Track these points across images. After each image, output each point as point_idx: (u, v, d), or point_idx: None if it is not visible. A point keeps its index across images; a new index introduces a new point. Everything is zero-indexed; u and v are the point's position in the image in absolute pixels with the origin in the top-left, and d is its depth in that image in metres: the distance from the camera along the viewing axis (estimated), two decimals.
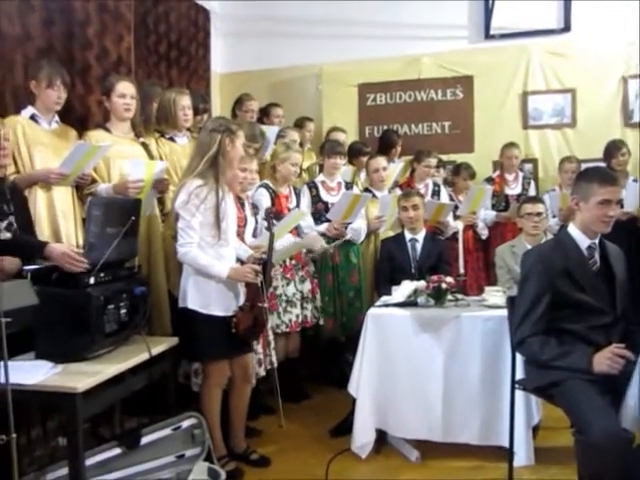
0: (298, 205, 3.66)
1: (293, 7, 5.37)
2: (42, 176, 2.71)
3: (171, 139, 3.33)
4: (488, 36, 5.08)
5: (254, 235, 3.23)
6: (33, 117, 2.82)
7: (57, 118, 2.94)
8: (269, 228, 2.81)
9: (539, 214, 3.42)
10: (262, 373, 3.16)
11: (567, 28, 4.93)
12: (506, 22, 4.98)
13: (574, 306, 2.22)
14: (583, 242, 2.28)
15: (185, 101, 3.30)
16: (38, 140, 2.78)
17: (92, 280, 2.30)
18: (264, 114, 4.57)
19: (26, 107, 2.84)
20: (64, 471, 2.21)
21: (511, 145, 4.60)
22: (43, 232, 2.71)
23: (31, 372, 2.08)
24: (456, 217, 4.24)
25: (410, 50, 5.17)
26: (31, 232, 2.56)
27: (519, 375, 2.45)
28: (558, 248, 2.30)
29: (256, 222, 3.28)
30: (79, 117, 3.31)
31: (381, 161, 4.09)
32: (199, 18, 5.14)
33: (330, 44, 5.28)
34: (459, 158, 4.94)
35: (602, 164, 4.33)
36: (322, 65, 5.33)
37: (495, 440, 2.71)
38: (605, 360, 2.07)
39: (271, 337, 3.25)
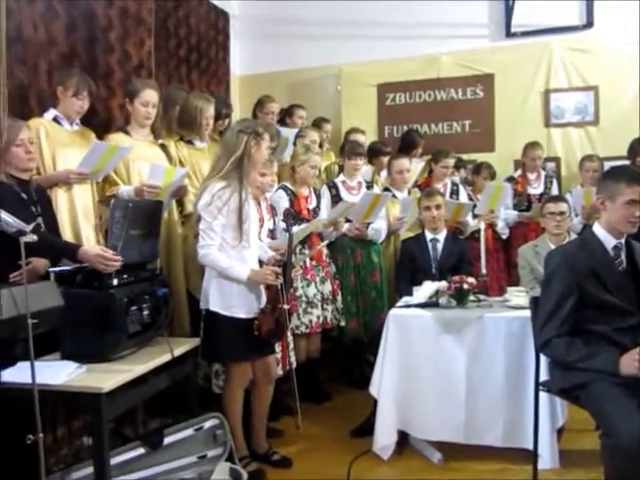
0: (318, 206, 3.67)
1: (311, 8, 5.37)
2: (62, 177, 2.75)
3: (189, 142, 3.36)
4: (509, 34, 5.03)
5: (272, 237, 3.24)
6: (55, 119, 2.87)
7: (78, 120, 2.98)
8: (288, 229, 2.81)
9: (562, 213, 3.37)
10: (280, 373, 3.17)
11: (589, 24, 4.86)
12: (527, 19, 4.92)
13: (600, 307, 2.18)
14: (609, 242, 2.24)
15: (211, 111, 3.34)
16: (61, 141, 2.83)
17: (115, 281, 2.33)
18: (287, 114, 4.57)
19: (48, 110, 2.89)
20: (89, 470, 2.24)
21: (534, 145, 4.53)
22: (65, 233, 2.75)
23: (57, 372, 2.11)
24: (475, 216, 4.20)
25: (429, 49, 5.15)
26: (56, 233, 2.60)
27: (543, 377, 2.42)
28: (584, 248, 2.27)
29: (274, 224, 3.28)
30: (102, 120, 3.36)
31: (405, 162, 4.07)
32: (218, 21, 5.18)
33: (349, 44, 5.28)
34: (480, 157, 4.88)
35: (626, 162, 4.26)
36: (341, 66, 5.33)
37: (519, 442, 2.68)
38: (632, 362, 2.03)
39: (290, 338, 3.26)
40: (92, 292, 2.30)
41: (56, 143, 2.80)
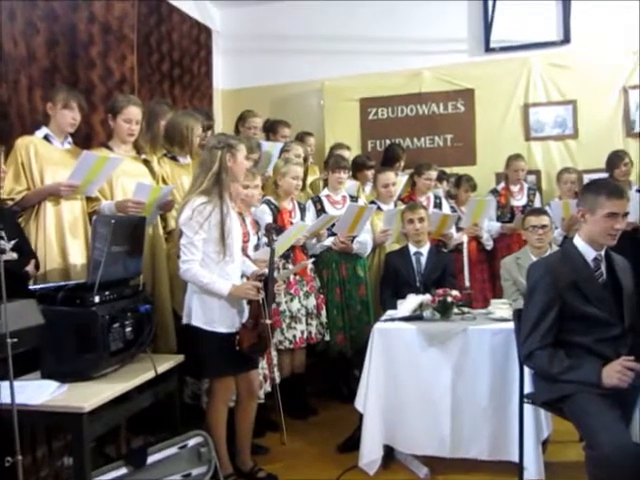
0: (302, 220, 3.66)
1: (294, 24, 5.43)
2: (52, 189, 2.73)
3: (173, 158, 3.35)
4: (488, 49, 5.13)
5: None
6: (46, 137, 2.85)
7: (70, 139, 2.97)
8: (270, 244, 2.80)
9: (544, 227, 3.40)
10: (268, 389, 3.15)
11: (567, 40, 4.97)
12: (506, 35, 5.02)
13: (582, 319, 2.21)
14: (589, 254, 2.27)
15: (200, 129, 3.36)
16: (51, 159, 2.81)
17: (97, 298, 2.30)
18: (271, 130, 4.57)
19: (40, 128, 2.87)
20: None
21: (517, 157, 4.60)
22: (52, 248, 2.73)
23: (37, 392, 2.08)
24: (459, 229, 4.23)
25: (411, 64, 5.21)
26: (28, 249, 2.55)
27: (528, 389, 2.43)
28: (565, 260, 2.29)
29: (258, 239, 3.28)
30: (83, 136, 3.35)
31: (391, 176, 4.09)
32: (201, 36, 5.20)
33: (331, 59, 5.33)
34: (462, 171, 4.93)
35: (605, 175, 4.33)
36: (323, 80, 5.37)
37: (505, 455, 2.68)
38: (614, 373, 2.05)
39: (273, 353, 3.24)
40: (73, 310, 2.26)
41: (45, 161, 2.78)
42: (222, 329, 2.60)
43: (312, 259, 3.57)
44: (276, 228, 3.18)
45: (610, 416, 1.98)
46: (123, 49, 3.64)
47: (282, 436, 2.70)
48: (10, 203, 2.67)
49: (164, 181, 3.22)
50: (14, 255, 1.85)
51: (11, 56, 3.02)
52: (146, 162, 3.17)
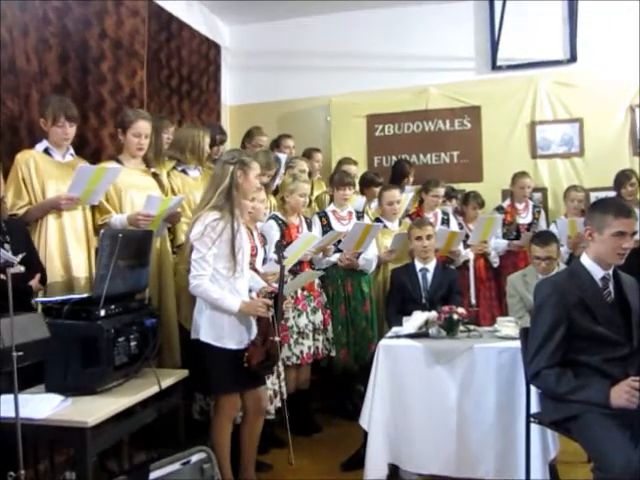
0: None
1: (301, 40, 5.49)
2: (53, 203, 2.74)
3: (183, 171, 3.36)
4: (495, 67, 5.16)
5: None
6: (47, 150, 2.87)
7: (72, 151, 2.97)
8: (280, 261, 2.80)
9: (548, 258, 3.25)
10: (278, 404, 3.14)
11: (573, 59, 5.00)
12: (512, 53, 5.05)
13: (589, 338, 2.19)
14: (597, 273, 2.26)
15: (209, 138, 3.42)
16: (51, 173, 2.81)
17: (103, 312, 2.30)
18: (275, 145, 4.60)
19: (41, 141, 2.89)
20: None
21: (523, 174, 4.60)
22: (53, 261, 2.73)
23: (41, 406, 2.07)
24: (467, 246, 4.22)
25: (418, 81, 5.26)
26: (36, 262, 2.57)
27: (534, 408, 2.40)
28: (572, 279, 2.28)
29: (264, 252, 3.28)
30: (93, 150, 3.37)
31: (396, 194, 4.09)
32: (210, 52, 5.26)
33: (338, 76, 5.38)
34: (468, 187, 4.93)
35: (611, 193, 4.32)
36: (331, 97, 5.41)
37: (511, 475, 2.64)
38: (623, 394, 2.02)
39: (281, 369, 3.23)
40: (79, 323, 2.26)
41: (46, 175, 2.78)
42: (231, 345, 2.59)
43: (319, 273, 3.55)
44: (286, 245, 3.17)
45: (619, 437, 1.95)
46: (133, 64, 3.68)
47: (290, 455, 2.64)
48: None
49: (174, 194, 3.22)
50: (21, 268, 1.85)
51: (23, 71, 3.06)
52: (155, 175, 3.19)
